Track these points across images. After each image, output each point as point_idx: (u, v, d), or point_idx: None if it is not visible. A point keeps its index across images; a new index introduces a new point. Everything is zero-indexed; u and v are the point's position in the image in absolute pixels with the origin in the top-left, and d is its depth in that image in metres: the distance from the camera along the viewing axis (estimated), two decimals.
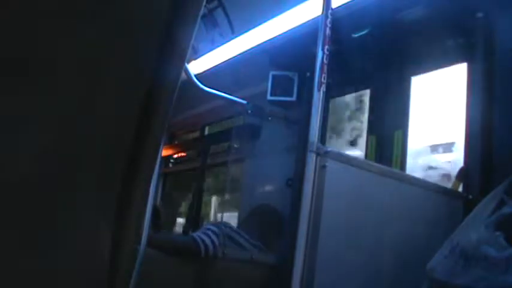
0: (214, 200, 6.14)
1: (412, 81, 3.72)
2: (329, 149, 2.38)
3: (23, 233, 0.59)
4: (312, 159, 2.31)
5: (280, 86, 4.31)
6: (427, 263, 2.16)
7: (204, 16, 4.38)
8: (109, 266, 0.70)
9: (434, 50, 3.52)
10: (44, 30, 0.57)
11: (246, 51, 4.56)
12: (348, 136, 4.26)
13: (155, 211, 4.16)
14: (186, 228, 5.58)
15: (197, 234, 3.15)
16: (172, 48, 0.72)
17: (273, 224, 3.49)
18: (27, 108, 0.57)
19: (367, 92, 4.05)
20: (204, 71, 4.85)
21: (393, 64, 3.77)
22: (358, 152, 3.94)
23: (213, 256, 3.02)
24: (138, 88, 0.70)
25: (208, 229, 3.17)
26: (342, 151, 3.17)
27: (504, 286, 1.82)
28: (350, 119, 4.28)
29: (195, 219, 5.54)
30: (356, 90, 4.23)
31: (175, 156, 6.73)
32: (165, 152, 6.14)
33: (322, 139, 3.42)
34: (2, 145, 0.55)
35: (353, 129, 4.22)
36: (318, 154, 2.33)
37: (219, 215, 5.80)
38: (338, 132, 4.33)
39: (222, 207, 5.74)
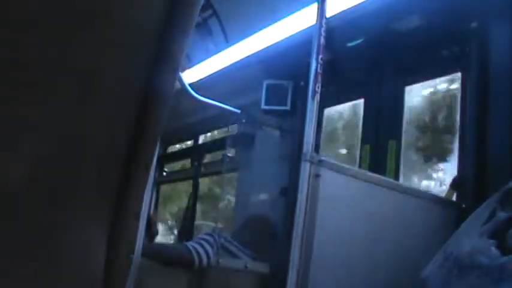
0: None
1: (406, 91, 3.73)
2: (323, 158, 2.38)
3: (17, 241, 0.58)
4: (306, 168, 2.31)
5: (274, 95, 4.31)
6: (421, 272, 2.16)
7: (198, 25, 4.39)
8: (103, 276, 0.70)
9: (428, 59, 3.53)
10: (40, 39, 0.57)
11: (240, 60, 4.57)
12: None
13: (149, 221, 4.15)
14: (180, 237, 5.56)
15: (191, 244, 3.15)
16: (166, 57, 0.72)
17: (265, 234, 3.49)
18: (25, 115, 0.57)
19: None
20: (198, 80, 4.85)
21: (387, 73, 3.78)
22: None
23: (207, 266, 3.01)
24: (131, 97, 0.70)
25: (203, 239, 3.17)
26: None
27: None
28: None
29: (189, 228, 5.53)
30: (350, 100, 4.25)
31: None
32: (158, 162, 6.13)
33: (316, 148, 3.44)
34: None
35: None
36: (312, 163, 2.32)
37: None
38: None
39: None
